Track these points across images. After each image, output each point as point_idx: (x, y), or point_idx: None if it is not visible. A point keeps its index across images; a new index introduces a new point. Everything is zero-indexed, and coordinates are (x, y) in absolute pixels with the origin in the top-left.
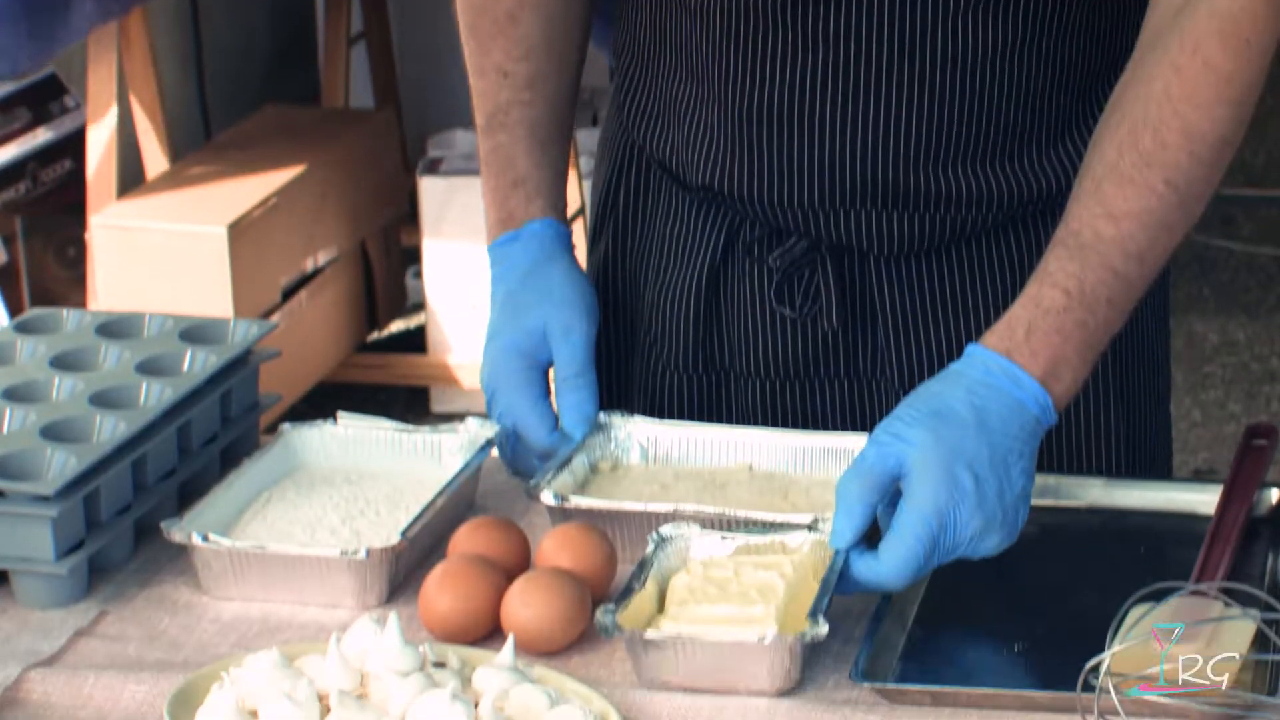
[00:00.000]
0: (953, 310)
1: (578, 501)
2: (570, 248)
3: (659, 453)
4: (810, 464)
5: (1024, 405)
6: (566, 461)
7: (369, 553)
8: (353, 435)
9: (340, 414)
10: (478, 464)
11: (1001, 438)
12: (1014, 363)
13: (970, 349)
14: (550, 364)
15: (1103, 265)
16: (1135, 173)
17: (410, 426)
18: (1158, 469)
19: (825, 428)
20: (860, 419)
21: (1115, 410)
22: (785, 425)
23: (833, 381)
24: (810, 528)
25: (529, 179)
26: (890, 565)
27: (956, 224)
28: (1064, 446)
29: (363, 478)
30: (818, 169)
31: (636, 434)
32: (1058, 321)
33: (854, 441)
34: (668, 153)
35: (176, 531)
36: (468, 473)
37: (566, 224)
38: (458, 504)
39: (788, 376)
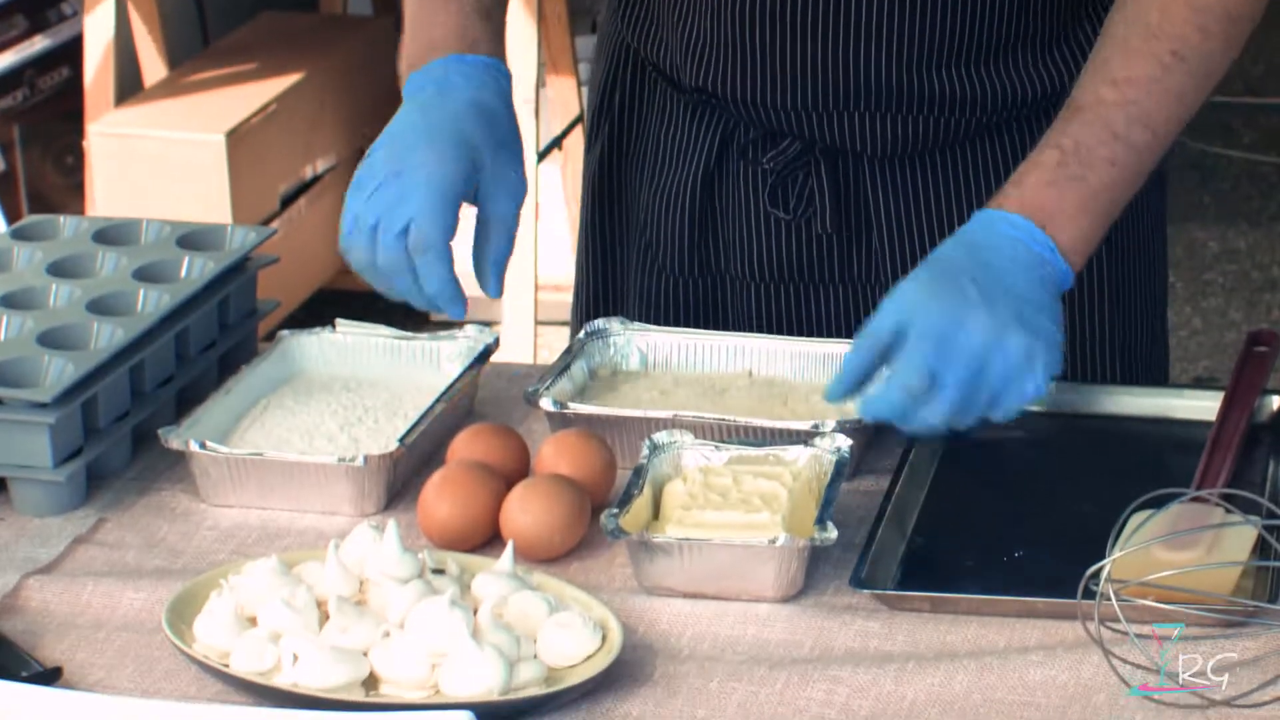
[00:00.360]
0: (947, 213)
1: (577, 408)
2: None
3: (658, 359)
4: (810, 370)
5: (1021, 242)
6: (565, 368)
7: (366, 460)
8: (351, 342)
9: (338, 321)
10: (476, 371)
11: (993, 255)
12: (1005, 210)
13: (981, 209)
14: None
15: (1102, 126)
16: (1141, 44)
17: (408, 333)
18: (1155, 372)
19: (820, 332)
20: (855, 323)
21: (1111, 313)
22: (780, 329)
23: (827, 285)
24: (807, 440)
25: (481, 21)
26: (895, 381)
27: (951, 126)
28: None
29: (361, 385)
30: (812, 71)
31: (636, 340)
32: (1050, 175)
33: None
34: (662, 56)
35: (174, 439)
36: (466, 379)
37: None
38: (456, 411)
39: (782, 280)
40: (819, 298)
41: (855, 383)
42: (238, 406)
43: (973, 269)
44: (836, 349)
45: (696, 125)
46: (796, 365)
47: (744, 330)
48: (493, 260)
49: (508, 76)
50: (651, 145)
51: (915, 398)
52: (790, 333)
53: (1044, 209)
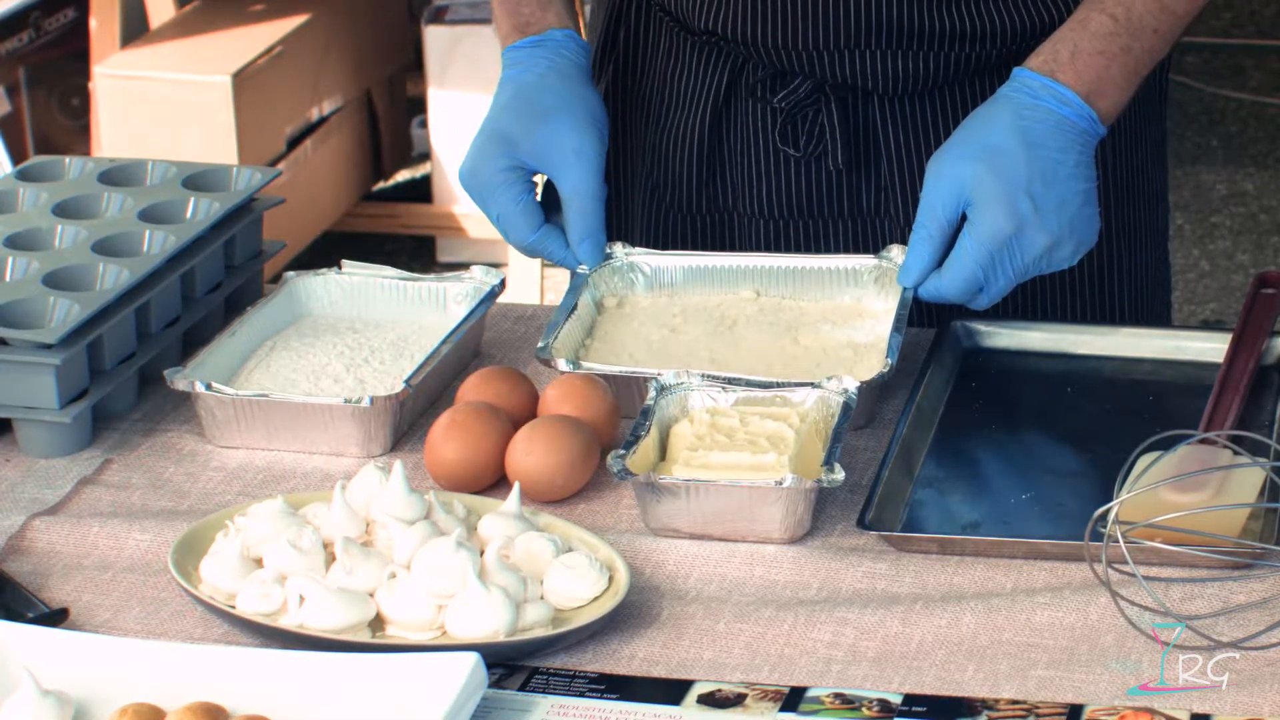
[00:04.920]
0: None
1: (590, 367)
2: (590, 67)
3: (663, 283)
4: (819, 288)
5: (1069, 121)
6: (572, 307)
7: (373, 401)
8: (357, 283)
9: (344, 262)
10: (483, 312)
11: (1051, 152)
12: (1058, 82)
13: (1016, 73)
14: (535, 173)
15: None
16: None
17: (414, 275)
18: (1158, 304)
19: None
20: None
21: (1116, 243)
22: None
23: (837, 221)
24: (814, 382)
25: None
26: (950, 281)
27: (960, 61)
28: (1065, 278)
29: (367, 326)
30: (821, 10)
31: (640, 265)
32: (1103, 45)
33: (859, 261)
34: None
35: (180, 380)
36: (473, 320)
37: (585, 41)
38: (462, 352)
39: (792, 216)
40: (827, 232)
41: (924, 270)
42: (243, 348)
43: (1029, 176)
44: (840, 263)
45: (705, 65)
46: (804, 283)
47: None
48: (597, 245)
49: (575, 39)
50: (658, 85)
51: (974, 285)
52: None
53: (1097, 80)
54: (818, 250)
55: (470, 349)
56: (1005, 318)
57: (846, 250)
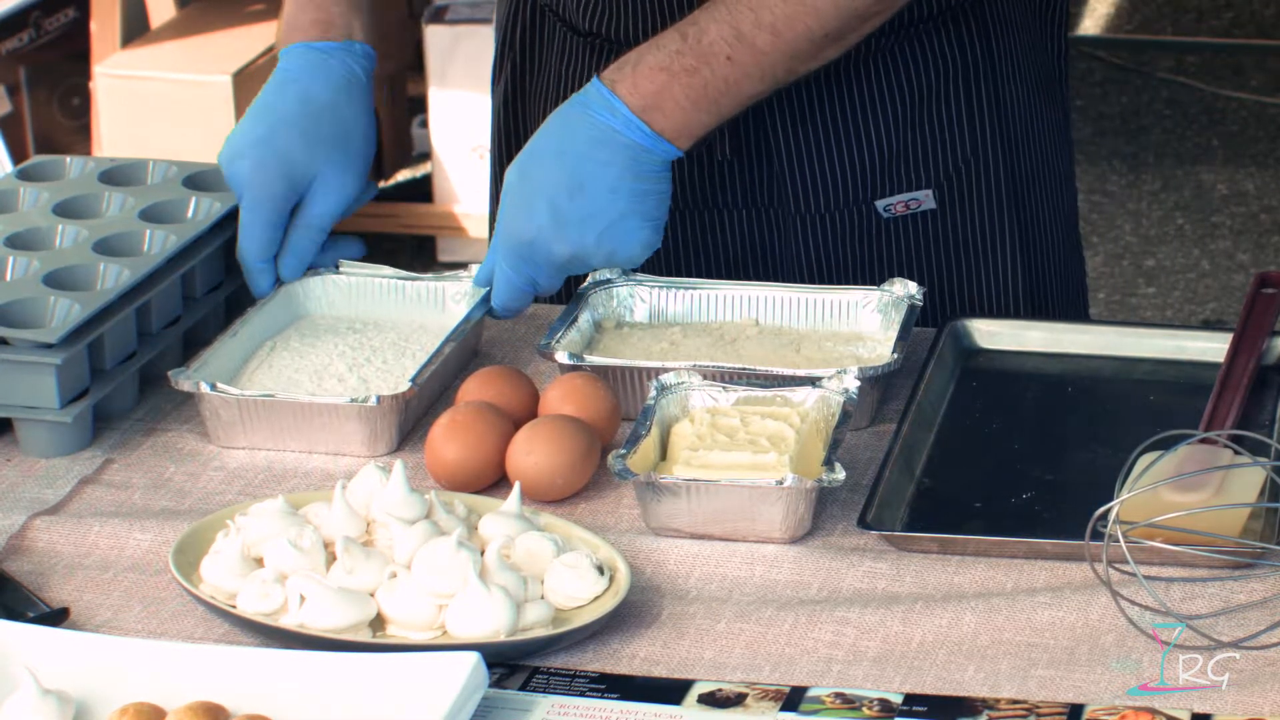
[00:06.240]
0: (845, 134)
1: (593, 360)
2: (372, 88)
3: (662, 309)
4: (817, 318)
5: (615, 131)
6: (573, 319)
7: (380, 400)
8: (356, 283)
9: (342, 262)
10: (483, 313)
11: (588, 164)
12: (614, 93)
13: (596, 76)
14: (299, 196)
15: (728, 23)
16: None
17: (412, 274)
18: (1072, 287)
19: (726, 257)
20: (760, 247)
21: (1024, 229)
22: (686, 254)
23: (731, 211)
24: (815, 382)
25: (340, 3)
26: (496, 290)
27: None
28: (958, 255)
29: (367, 326)
30: (694, 6)
31: (639, 290)
32: (667, 61)
33: (859, 294)
34: (554, 1)
35: (185, 381)
36: (474, 318)
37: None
38: (464, 350)
39: (687, 207)
40: (723, 223)
41: (486, 277)
42: (244, 348)
43: (555, 185)
44: (841, 296)
45: (594, 60)
46: (803, 312)
47: (652, 260)
48: (289, 253)
49: (363, 57)
50: (552, 80)
51: (524, 295)
52: (695, 258)
53: (654, 95)
54: (714, 244)
55: (471, 347)
56: (1005, 317)
57: (742, 242)
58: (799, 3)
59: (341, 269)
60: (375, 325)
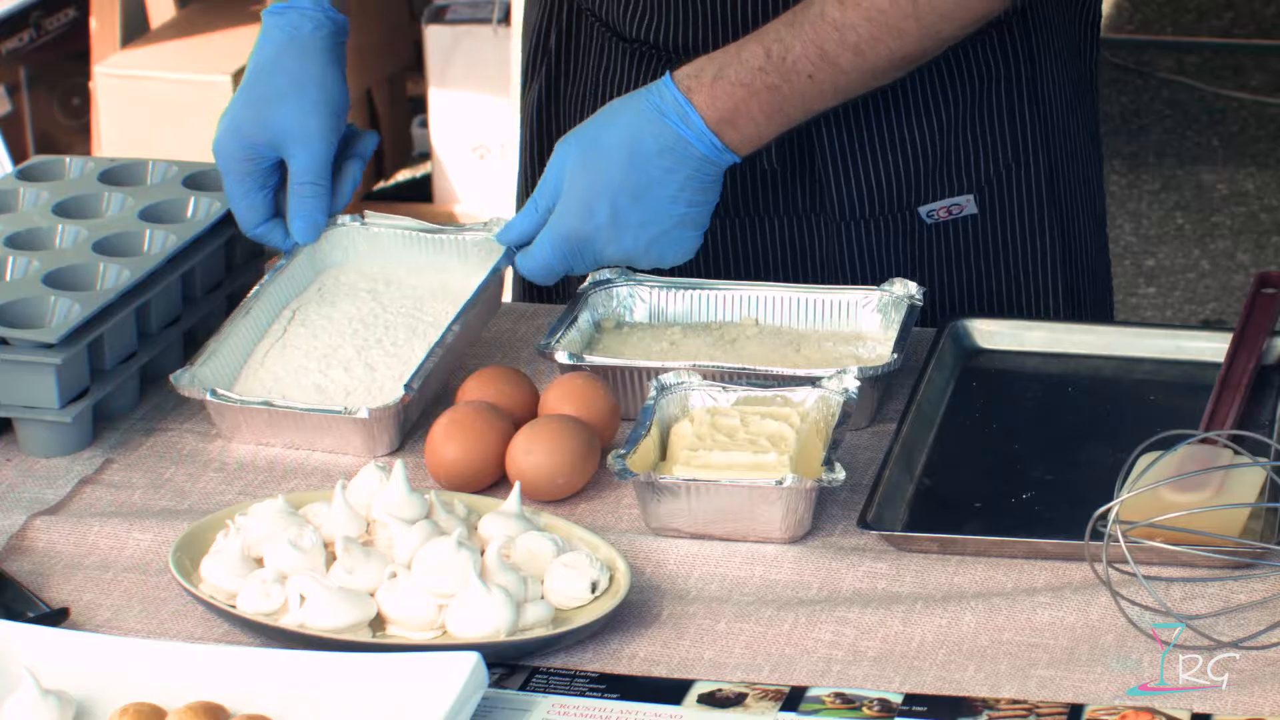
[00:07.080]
0: (888, 141)
1: (593, 359)
2: (342, 43)
3: (662, 309)
4: (817, 318)
5: (686, 142)
6: (573, 319)
7: (370, 412)
8: (380, 234)
9: (367, 212)
10: (504, 265)
11: (654, 170)
12: (690, 102)
13: (666, 75)
14: (279, 159)
15: (814, 42)
16: None
17: (437, 226)
18: (1098, 290)
19: (766, 264)
20: (801, 254)
21: (1051, 230)
22: (725, 260)
23: (772, 218)
24: (815, 382)
25: None
26: (531, 264)
27: None
28: (998, 259)
29: (389, 286)
30: (745, 14)
31: (639, 291)
32: (748, 76)
33: (859, 294)
34: (599, 6)
35: (184, 387)
36: (494, 278)
37: (344, 16)
38: (468, 334)
39: (727, 215)
40: (763, 230)
41: (522, 234)
42: (264, 318)
43: (619, 186)
44: (842, 295)
45: (636, 67)
46: (803, 312)
47: (692, 265)
48: (292, 215)
49: (312, 10)
50: (590, 87)
51: (555, 278)
52: (735, 264)
53: (731, 111)
54: (754, 250)
55: (475, 331)
56: (1005, 317)
57: (783, 249)
58: (884, 25)
59: (366, 220)
60: (397, 285)
